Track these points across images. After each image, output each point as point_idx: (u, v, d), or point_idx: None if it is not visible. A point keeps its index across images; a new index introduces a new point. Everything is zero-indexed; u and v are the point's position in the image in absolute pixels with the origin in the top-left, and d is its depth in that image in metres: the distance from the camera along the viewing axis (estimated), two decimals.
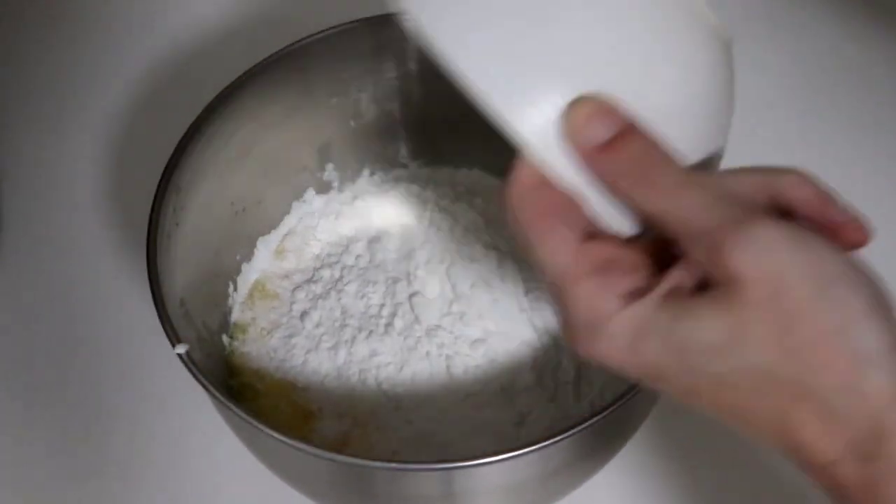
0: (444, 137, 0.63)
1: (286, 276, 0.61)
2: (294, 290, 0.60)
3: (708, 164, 0.39)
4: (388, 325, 0.57)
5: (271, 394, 0.56)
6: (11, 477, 0.59)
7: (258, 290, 0.60)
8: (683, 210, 0.34)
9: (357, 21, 0.58)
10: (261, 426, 0.45)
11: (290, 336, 0.58)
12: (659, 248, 0.36)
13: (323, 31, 0.57)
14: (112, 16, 0.79)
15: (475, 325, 0.57)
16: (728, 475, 0.58)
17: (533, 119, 0.35)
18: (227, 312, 0.59)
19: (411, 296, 0.58)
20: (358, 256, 0.61)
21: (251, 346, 0.58)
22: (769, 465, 0.58)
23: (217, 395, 0.46)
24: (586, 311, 0.35)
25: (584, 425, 0.44)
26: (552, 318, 0.56)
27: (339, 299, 0.59)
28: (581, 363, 0.55)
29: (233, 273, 0.60)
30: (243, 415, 0.46)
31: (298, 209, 0.63)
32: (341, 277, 0.60)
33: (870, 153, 0.71)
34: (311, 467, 0.49)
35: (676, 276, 0.34)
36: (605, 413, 0.44)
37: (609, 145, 0.35)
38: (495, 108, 0.36)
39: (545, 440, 0.44)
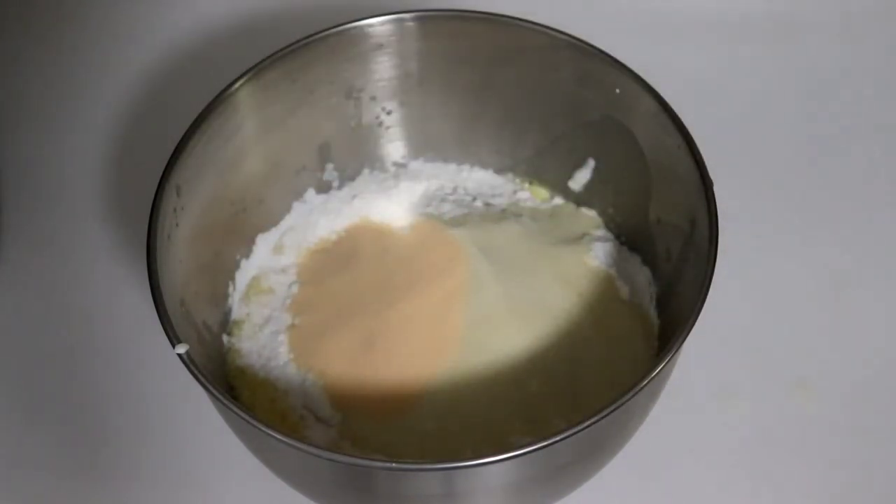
0: (443, 136, 0.64)
1: (283, 271, 0.61)
2: (290, 284, 0.60)
3: None
4: None
5: (255, 395, 0.56)
6: (11, 477, 0.59)
7: (254, 285, 0.60)
8: None
9: (357, 21, 0.58)
10: (261, 426, 0.45)
11: (277, 332, 0.58)
12: None
13: (323, 30, 0.57)
14: (112, 16, 0.79)
15: None
16: (728, 475, 0.58)
17: None
18: (228, 312, 0.59)
19: None
20: None
21: (245, 342, 0.58)
22: (769, 464, 0.58)
23: (217, 395, 0.46)
24: None
25: (584, 425, 0.44)
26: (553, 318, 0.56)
27: None
28: (581, 361, 0.55)
29: (233, 272, 0.60)
30: (244, 415, 0.46)
31: (299, 209, 0.63)
32: None
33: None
34: (311, 467, 0.49)
35: None
36: (605, 413, 0.44)
37: None
38: None
39: (545, 440, 0.44)
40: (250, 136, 0.58)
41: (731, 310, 0.62)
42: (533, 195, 0.63)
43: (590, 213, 0.62)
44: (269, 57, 0.56)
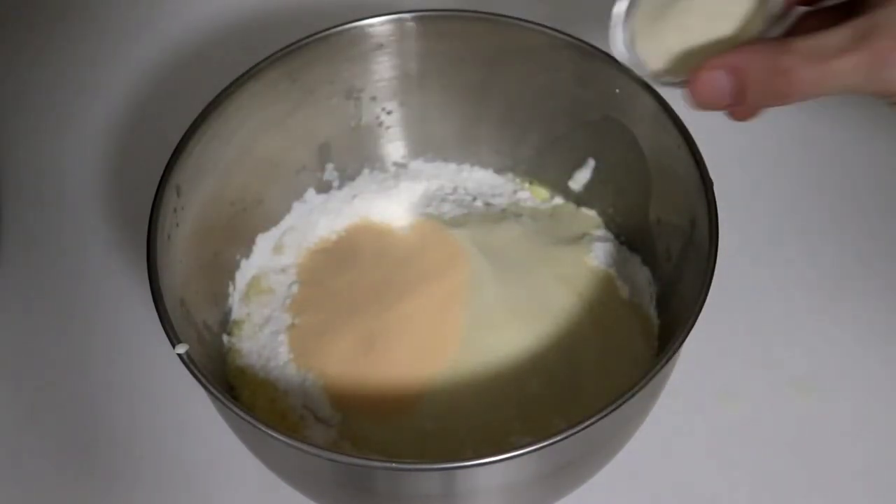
0: (443, 136, 0.64)
1: (283, 271, 0.61)
2: (290, 284, 0.60)
3: None
4: None
5: (255, 395, 0.56)
6: (11, 477, 0.59)
7: (254, 285, 0.60)
8: None
9: (357, 21, 0.58)
10: (261, 426, 0.45)
11: (277, 332, 0.58)
12: None
13: (323, 30, 0.57)
14: (112, 16, 0.79)
15: None
16: (728, 475, 0.58)
17: None
18: (228, 312, 0.59)
19: None
20: None
21: (245, 342, 0.58)
22: (769, 464, 0.58)
23: (217, 395, 0.46)
24: None
25: (584, 425, 0.44)
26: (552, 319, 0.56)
27: None
28: (581, 361, 0.55)
29: (233, 272, 0.60)
30: (244, 415, 0.46)
31: (299, 209, 0.63)
32: None
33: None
34: (311, 467, 0.49)
35: None
36: (605, 413, 0.44)
37: None
38: None
39: (545, 440, 0.44)
40: (250, 136, 0.58)
41: (731, 310, 0.62)
42: (533, 195, 0.63)
43: (590, 213, 0.62)
44: (269, 57, 0.56)
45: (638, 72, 0.50)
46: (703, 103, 0.40)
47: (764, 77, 0.39)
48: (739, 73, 0.39)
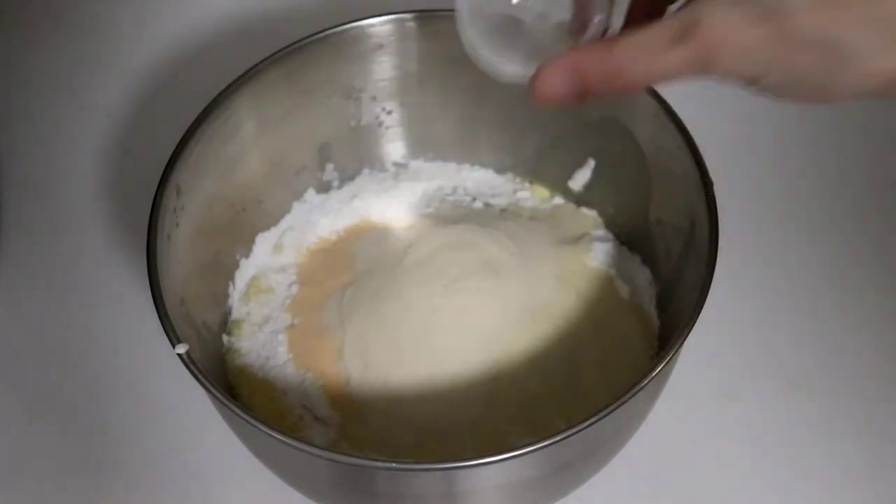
0: (443, 136, 0.64)
1: (282, 270, 0.61)
2: (290, 284, 0.60)
3: None
4: None
5: (254, 394, 0.56)
6: (12, 477, 0.59)
7: (254, 285, 0.60)
8: None
9: (357, 21, 0.58)
10: (261, 426, 0.45)
11: (277, 332, 0.58)
12: None
13: (323, 30, 0.58)
14: (112, 16, 0.79)
15: None
16: (728, 475, 0.58)
17: None
18: (228, 312, 0.59)
19: None
20: None
21: (245, 342, 0.58)
22: (769, 464, 0.58)
23: (217, 394, 0.46)
24: None
25: (584, 425, 0.44)
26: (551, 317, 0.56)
27: None
28: (581, 361, 0.55)
29: (233, 272, 0.60)
30: (243, 415, 0.46)
31: (298, 209, 0.63)
32: None
33: None
34: (311, 467, 0.49)
35: None
36: (605, 413, 0.45)
37: None
38: None
39: (545, 440, 0.44)
40: (250, 136, 0.58)
41: (731, 310, 0.62)
42: (533, 195, 0.63)
43: (590, 213, 0.62)
44: (268, 57, 0.57)
45: (484, 68, 0.48)
46: (545, 100, 0.41)
47: (601, 77, 0.40)
48: (579, 73, 0.40)
